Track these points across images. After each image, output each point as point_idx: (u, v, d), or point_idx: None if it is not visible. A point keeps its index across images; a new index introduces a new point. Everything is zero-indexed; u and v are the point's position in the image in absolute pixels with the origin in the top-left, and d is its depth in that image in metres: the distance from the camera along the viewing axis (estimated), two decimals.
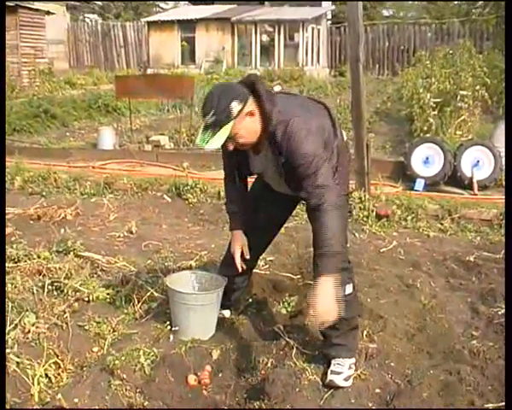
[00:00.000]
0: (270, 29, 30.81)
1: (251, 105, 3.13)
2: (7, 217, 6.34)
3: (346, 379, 3.38)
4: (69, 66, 28.99)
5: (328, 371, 3.41)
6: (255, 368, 3.60)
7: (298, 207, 4.40)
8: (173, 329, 3.90)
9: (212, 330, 4.00)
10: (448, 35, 29.12)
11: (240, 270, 3.75)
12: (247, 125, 3.15)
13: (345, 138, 3.56)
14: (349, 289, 3.47)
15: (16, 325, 3.85)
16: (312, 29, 30.59)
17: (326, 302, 3.01)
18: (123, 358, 3.50)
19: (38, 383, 3.31)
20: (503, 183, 7.72)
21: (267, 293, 4.58)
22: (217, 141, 3.09)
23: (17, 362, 3.42)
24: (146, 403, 3.24)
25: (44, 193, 7.62)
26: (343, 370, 3.42)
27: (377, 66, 30.87)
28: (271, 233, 4.03)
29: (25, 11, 21.37)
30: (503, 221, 6.23)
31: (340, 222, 3.19)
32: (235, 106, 3.06)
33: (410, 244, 5.87)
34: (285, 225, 5.83)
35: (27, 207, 6.71)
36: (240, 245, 3.74)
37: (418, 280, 4.90)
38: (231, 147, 3.19)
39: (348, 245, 5.54)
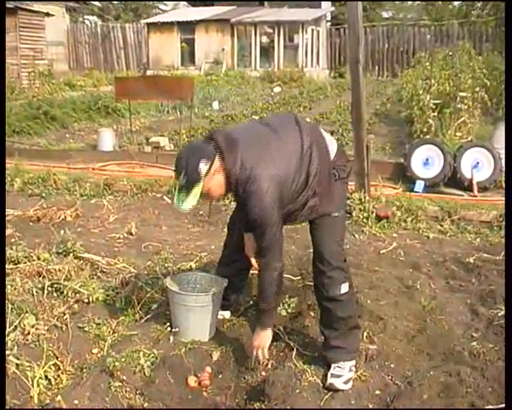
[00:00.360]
0: (270, 30, 30.82)
1: (217, 162, 3.24)
2: (7, 218, 6.34)
3: (346, 382, 3.39)
4: (69, 67, 28.97)
5: (328, 374, 3.42)
6: (255, 369, 3.60)
7: None
8: (173, 330, 3.90)
9: (212, 331, 3.99)
10: (447, 37, 29.13)
11: None
12: (216, 182, 3.28)
13: (333, 150, 3.52)
14: (344, 288, 3.49)
15: (16, 326, 3.86)
16: (312, 30, 30.61)
17: (260, 344, 3.58)
18: (123, 359, 3.50)
19: (38, 385, 3.32)
20: (503, 184, 7.73)
21: None
22: (191, 200, 3.24)
23: (17, 364, 3.43)
24: (146, 404, 3.24)
25: (44, 194, 7.62)
26: (343, 373, 3.42)
27: (377, 67, 30.90)
28: None
29: (24, 13, 21.38)
30: (503, 223, 6.23)
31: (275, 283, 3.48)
32: (203, 166, 3.18)
33: (409, 246, 5.87)
34: (284, 227, 5.87)
35: (27, 208, 6.71)
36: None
37: (418, 282, 4.90)
38: (207, 202, 3.48)
39: (348, 246, 5.60)
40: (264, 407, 3.16)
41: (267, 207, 3.21)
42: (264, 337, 3.55)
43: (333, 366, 3.47)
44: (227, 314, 4.20)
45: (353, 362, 3.53)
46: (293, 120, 3.49)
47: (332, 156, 3.48)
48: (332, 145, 3.53)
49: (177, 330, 3.90)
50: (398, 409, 3.17)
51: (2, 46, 17.91)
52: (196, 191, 3.21)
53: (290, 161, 3.31)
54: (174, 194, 3.31)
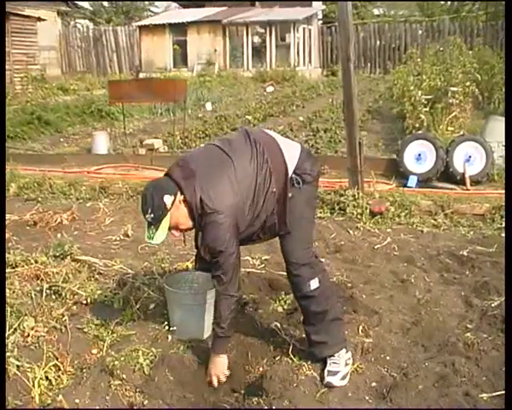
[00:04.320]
0: (262, 30, 30.87)
1: (179, 194, 3.35)
2: None
3: (343, 378, 3.44)
4: (61, 72, 28.98)
5: (325, 372, 3.46)
6: (253, 365, 3.65)
7: None
8: (171, 329, 3.94)
9: (209, 329, 3.99)
10: (439, 32, 29.18)
11: None
12: (182, 213, 3.38)
13: (294, 157, 3.51)
14: (314, 283, 3.52)
15: (16, 329, 3.90)
16: (303, 29, 30.66)
17: (215, 372, 3.51)
18: (122, 359, 3.54)
19: (39, 386, 3.36)
20: (495, 177, 7.80)
21: (263, 292, 4.64)
22: (160, 234, 3.36)
23: (17, 365, 3.47)
24: (146, 402, 3.28)
25: (40, 199, 7.65)
26: (339, 369, 3.47)
27: (369, 64, 30.95)
28: None
29: (16, 18, 21.38)
30: (496, 215, 6.29)
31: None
32: (167, 199, 3.30)
33: (404, 240, 5.92)
34: None
35: (23, 213, 6.74)
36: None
37: (412, 275, 4.96)
38: (177, 234, 3.50)
39: (343, 242, 5.65)
40: (262, 402, 3.20)
41: (222, 238, 3.30)
42: (219, 364, 3.52)
43: (328, 361, 3.51)
44: None
45: (348, 355, 3.58)
46: (246, 139, 3.49)
47: (294, 164, 3.48)
48: (292, 152, 3.52)
49: (174, 328, 3.94)
50: (394, 406, 3.22)
51: (2, 46, 17.89)
52: (164, 224, 3.34)
53: (246, 187, 3.36)
54: (145, 231, 3.42)
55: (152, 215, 3.31)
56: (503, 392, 3.09)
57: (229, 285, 3.43)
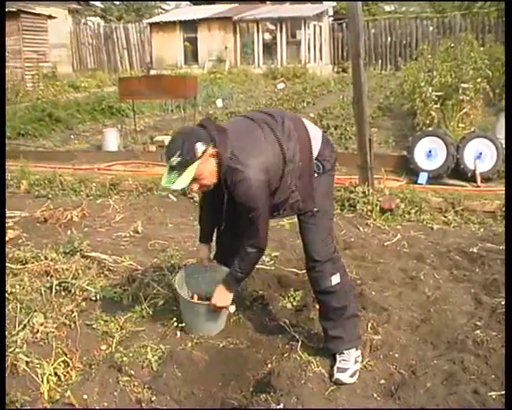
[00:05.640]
0: (272, 27, 30.82)
1: (211, 147, 3.26)
2: (14, 220, 6.41)
3: (352, 375, 3.43)
4: (72, 69, 29.03)
5: (335, 369, 3.46)
6: (261, 361, 3.65)
7: None
8: (180, 325, 3.95)
9: (221, 326, 4.04)
10: (450, 28, 29.03)
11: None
12: (209, 167, 3.29)
13: (317, 141, 3.54)
14: (335, 279, 3.53)
15: (25, 325, 3.93)
16: (314, 26, 30.60)
17: (221, 301, 3.72)
18: (130, 355, 3.56)
19: (48, 382, 3.38)
20: None
21: (272, 288, 4.63)
22: (182, 181, 3.24)
23: (26, 361, 3.49)
24: (154, 398, 3.29)
25: (50, 196, 7.68)
26: (349, 365, 3.46)
27: (380, 61, 30.85)
28: None
29: (27, 16, 21.43)
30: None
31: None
32: (200, 146, 3.21)
33: (413, 237, 5.91)
34: (290, 221, 5.93)
35: (34, 210, 6.77)
36: (204, 256, 4.02)
37: (422, 272, 4.94)
38: (195, 188, 3.38)
39: (352, 239, 5.65)
40: (269, 399, 3.19)
41: (256, 192, 3.25)
42: (225, 297, 3.70)
43: (338, 358, 3.50)
44: (232, 308, 4.22)
45: (358, 352, 3.57)
46: (273, 115, 3.50)
47: (317, 148, 3.50)
48: (316, 136, 3.54)
49: (183, 324, 3.95)
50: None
51: (2, 46, 17.95)
52: (189, 172, 3.22)
53: (275, 153, 3.34)
54: (164, 176, 3.29)
55: (179, 159, 3.19)
56: None
57: (261, 240, 3.46)
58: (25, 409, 3.03)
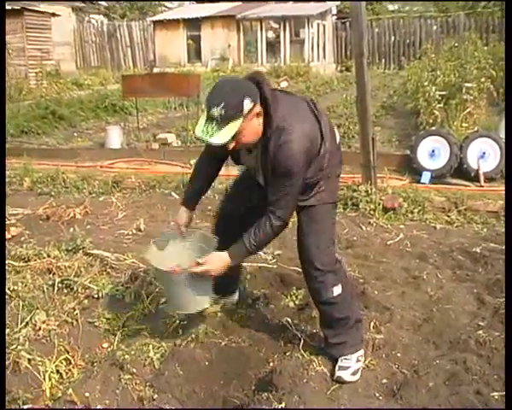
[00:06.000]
0: (276, 25, 30.82)
1: (259, 105, 3.06)
2: (16, 217, 6.41)
3: (354, 373, 3.42)
4: (76, 67, 29.06)
5: (336, 367, 3.45)
6: (263, 360, 3.65)
7: None
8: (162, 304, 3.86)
9: (206, 302, 3.68)
10: (454, 28, 29.03)
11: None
12: (252, 126, 3.07)
13: (337, 140, 3.50)
14: (337, 290, 3.44)
15: (27, 322, 3.93)
16: (318, 25, 30.59)
17: (212, 265, 3.32)
18: (132, 353, 3.57)
19: (50, 379, 3.38)
20: None
21: (275, 287, 4.63)
22: (222, 136, 2.96)
23: (28, 359, 3.49)
24: (155, 396, 3.29)
25: (53, 193, 7.68)
26: (350, 364, 3.45)
27: (383, 60, 30.84)
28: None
29: (30, 14, 21.48)
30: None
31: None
32: (247, 103, 2.97)
33: (416, 236, 5.89)
34: (293, 220, 5.92)
35: (36, 207, 6.77)
36: (182, 222, 3.69)
37: (425, 272, 4.93)
38: (231, 146, 3.09)
39: (355, 238, 5.65)
40: (271, 397, 3.18)
41: (299, 157, 3.07)
42: (219, 265, 3.32)
43: (340, 357, 3.50)
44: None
45: (361, 352, 3.56)
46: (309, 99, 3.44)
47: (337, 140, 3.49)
48: (338, 137, 3.52)
49: (163, 301, 3.87)
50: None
51: (2, 46, 17.97)
52: (231, 128, 2.96)
53: (315, 126, 3.22)
54: (199, 124, 3.04)
55: (223, 111, 2.92)
56: None
57: (287, 211, 3.22)
58: (26, 408, 3.03)
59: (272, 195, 3.20)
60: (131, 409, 3.22)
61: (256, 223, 3.26)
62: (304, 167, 3.14)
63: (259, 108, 3.06)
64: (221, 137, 2.97)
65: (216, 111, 2.93)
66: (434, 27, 30.38)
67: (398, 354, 3.66)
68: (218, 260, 3.32)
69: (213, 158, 3.57)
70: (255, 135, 3.13)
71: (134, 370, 3.43)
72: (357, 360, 3.50)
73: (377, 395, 3.29)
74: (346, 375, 3.39)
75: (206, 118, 3.00)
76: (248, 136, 3.10)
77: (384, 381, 3.41)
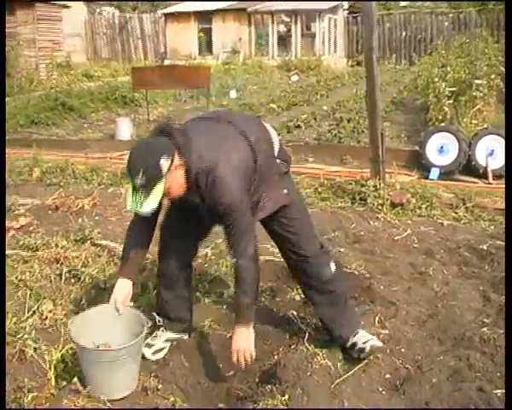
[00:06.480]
0: (287, 19, 30.73)
1: (176, 157, 2.99)
2: (26, 207, 6.45)
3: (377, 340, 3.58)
4: (87, 58, 29.12)
5: (361, 346, 3.52)
6: (268, 352, 3.67)
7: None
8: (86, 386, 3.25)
9: (129, 386, 3.32)
10: (465, 24, 28.86)
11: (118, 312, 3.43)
12: (176, 179, 3.02)
13: (276, 143, 3.43)
14: (333, 266, 3.59)
15: (34, 311, 3.99)
16: (329, 19, 30.49)
17: (243, 347, 3.22)
18: None
19: (55, 368, 3.41)
20: None
21: (281, 280, 4.64)
22: (151, 202, 2.94)
23: (35, 348, 3.52)
24: (160, 386, 3.32)
25: (62, 184, 7.72)
26: (370, 337, 3.57)
27: (394, 55, 30.66)
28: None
29: (42, 5, 21.52)
30: None
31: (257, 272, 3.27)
32: (164, 162, 2.91)
33: (423, 232, 5.89)
34: None
35: (45, 197, 6.82)
36: (121, 295, 3.42)
37: (431, 268, 4.93)
38: (165, 202, 3.14)
39: (362, 232, 5.65)
40: (275, 390, 3.20)
41: (235, 192, 3.04)
42: (248, 337, 3.25)
43: (357, 339, 3.55)
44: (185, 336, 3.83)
45: (363, 332, 3.64)
46: (236, 114, 3.49)
47: (277, 148, 3.42)
48: (274, 138, 3.45)
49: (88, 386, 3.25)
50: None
51: (2, 45, 18.01)
52: (158, 190, 2.93)
53: (245, 149, 3.16)
54: (128, 196, 3.00)
55: (144, 178, 2.87)
56: None
57: (249, 244, 3.14)
58: (26, 409, 3.05)
59: (227, 236, 3.19)
60: (132, 409, 3.22)
61: (235, 276, 3.23)
62: (244, 195, 3.11)
63: (178, 160, 3.00)
64: (150, 203, 2.94)
65: (138, 180, 2.89)
66: (446, 23, 30.21)
67: (403, 350, 3.67)
68: (242, 337, 3.24)
69: (144, 224, 3.38)
70: (182, 185, 3.09)
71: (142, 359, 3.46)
72: (370, 335, 3.62)
73: (380, 389, 3.30)
74: (374, 341, 3.55)
75: (132, 189, 2.97)
76: (177, 188, 3.08)
77: (387, 376, 3.42)
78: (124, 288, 3.40)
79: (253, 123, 3.44)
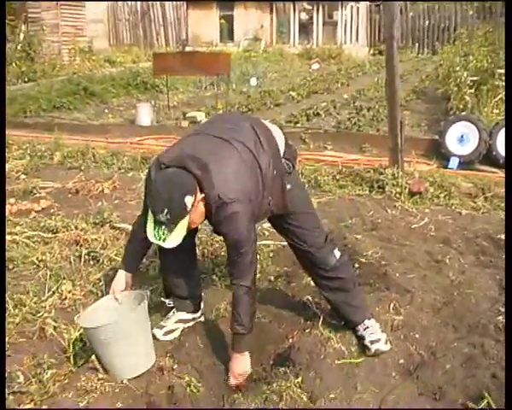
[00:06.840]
0: (309, 7, 30.59)
1: (198, 193, 3.02)
2: (46, 191, 6.54)
3: (386, 342, 3.53)
4: (109, 44, 29.21)
5: (367, 343, 3.50)
6: (283, 336, 3.70)
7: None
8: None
9: (148, 363, 3.39)
10: (490, 13, 28.56)
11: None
12: (199, 211, 3.08)
13: (282, 142, 3.43)
14: (337, 253, 3.60)
15: (54, 292, 4.07)
16: (351, 7, 30.28)
17: (239, 372, 3.31)
18: (154, 323, 3.63)
19: (74, 347, 3.47)
20: None
21: (297, 265, 4.61)
22: (175, 238, 2.99)
23: (54, 326, 3.61)
24: (175, 367, 3.36)
25: (83, 168, 7.80)
26: (379, 336, 3.54)
27: (417, 44, 30.44)
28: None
29: None
30: None
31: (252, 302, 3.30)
32: (189, 200, 2.96)
33: (441, 221, 5.88)
34: (318, 201, 5.98)
35: (66, 181, 6.90)
36: (119, 285, 3.50)
37: (447, 256, 4.92)
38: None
39: (379, 220, 5.65)
40: (288, 372, 3.24)
41: (244, 229, 3.10)
42: (243, 363, 3.34)
43: (365, 334, 3.54)
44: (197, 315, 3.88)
45: (373, 321, 3.65)
46: (237, 121, 3.41)
47: (283, 146, 3.42)
48: (279, 135, 3.45)
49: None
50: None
51: (2, 45, 18.07)
52: (182, 226, 2.99)
53: (256, 176, 3.20)
54: (149, 228, 3.04)
55: (168, 216, 2.93)
56: None
57: (250, 279, 3.23)
58: (26, 409, 3.10)
59: (231, 263, 3.26)
60: (132, 409, 3.28)
61: (232, 304, 3.29)
62: (253, 229, 3.20)
63: (200, 195, 3.03)
64: (174, 239, 3.00)
65: (162, 217, 2.94)
66: (470, 12, 29.91)
67: (417, 336, 3.68)
68: (237, 363, 3.33)
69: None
70: (203, 216, 3.16)
71: (155, 340, 3.51)
72: (382, 331, 3.59)
73: (393, 374, 3.32)
74: (381, 346, 3.49)
75: (154, 223, 3.01)
76: (199, 218, 3.14)
77: (401, 361, 3.44)
78: (122, 278, 3.50)
79: (255, 124, 3.38)
